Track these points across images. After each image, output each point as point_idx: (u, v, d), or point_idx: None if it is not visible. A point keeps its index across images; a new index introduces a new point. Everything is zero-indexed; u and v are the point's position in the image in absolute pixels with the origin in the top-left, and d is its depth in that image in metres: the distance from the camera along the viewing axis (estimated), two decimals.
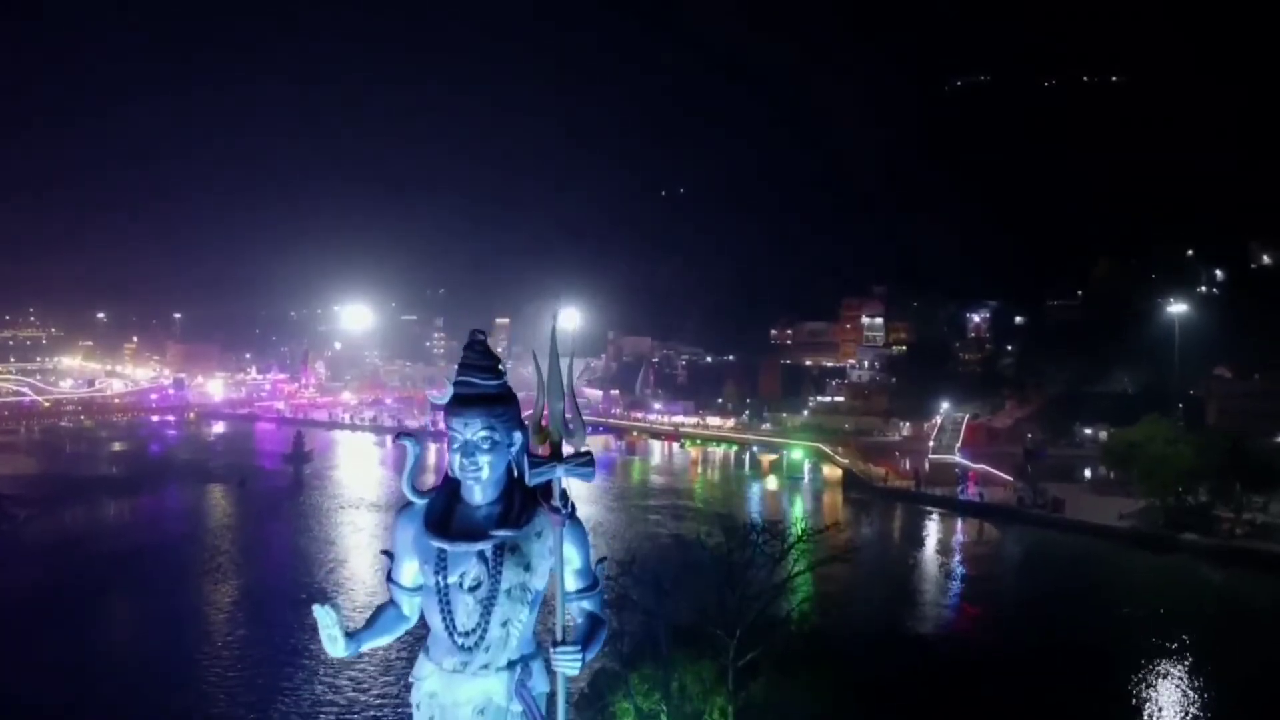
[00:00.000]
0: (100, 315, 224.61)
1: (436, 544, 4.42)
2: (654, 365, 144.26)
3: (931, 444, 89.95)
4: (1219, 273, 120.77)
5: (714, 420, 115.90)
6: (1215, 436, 60.51)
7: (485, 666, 4.44)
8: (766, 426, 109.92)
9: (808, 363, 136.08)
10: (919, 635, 41.55)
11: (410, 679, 4.67)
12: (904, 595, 48.35)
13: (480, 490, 4.48)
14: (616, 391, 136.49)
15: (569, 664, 4.38)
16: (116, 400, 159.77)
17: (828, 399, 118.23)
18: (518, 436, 4.50)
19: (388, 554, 4.74)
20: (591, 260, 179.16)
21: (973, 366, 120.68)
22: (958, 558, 59.81)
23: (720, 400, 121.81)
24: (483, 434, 4.38)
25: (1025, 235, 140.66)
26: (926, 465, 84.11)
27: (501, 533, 4.40)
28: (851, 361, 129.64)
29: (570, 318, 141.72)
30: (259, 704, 32.26)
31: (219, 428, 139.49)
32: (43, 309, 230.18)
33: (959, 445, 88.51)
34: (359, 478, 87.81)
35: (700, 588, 23.48)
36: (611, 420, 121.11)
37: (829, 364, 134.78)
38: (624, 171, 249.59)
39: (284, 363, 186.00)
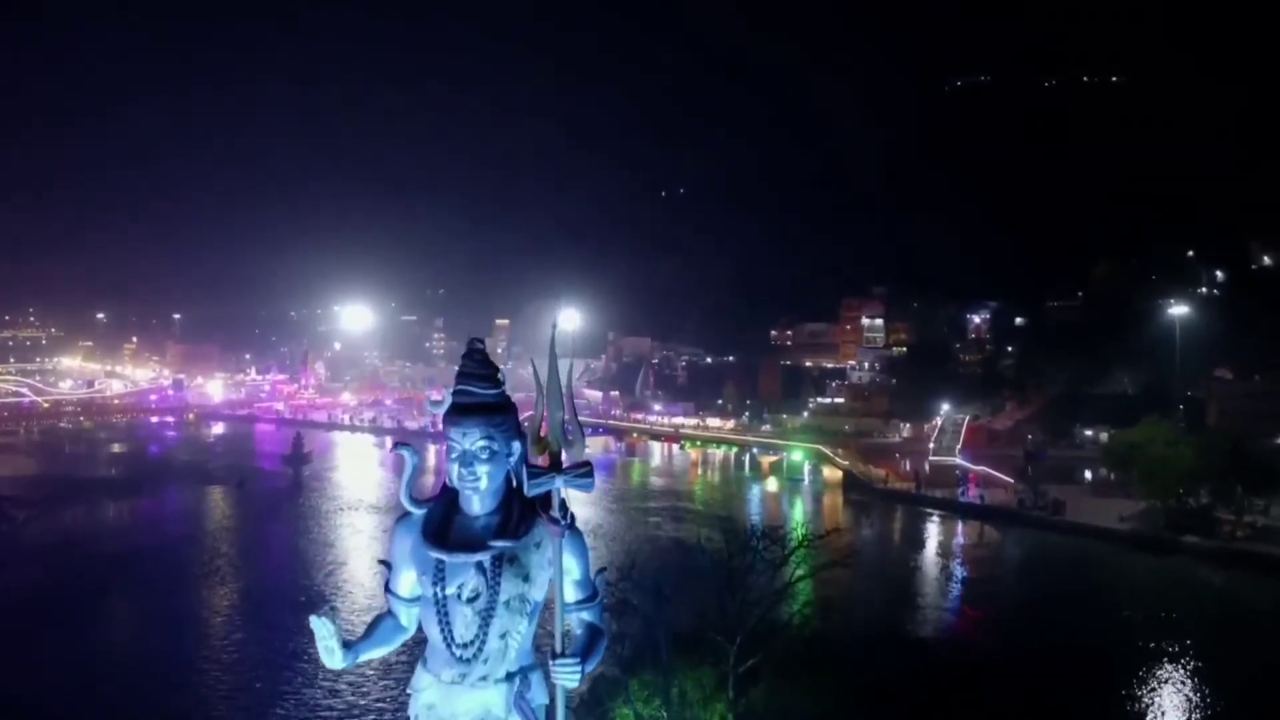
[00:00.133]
0: (100, 316, 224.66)
1: (434, 554, 4.39)
2: (654, 366, 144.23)
3: (932, 446, 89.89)
4: (1219, 273, 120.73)
5: (714, 421, 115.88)
6: (1216, 438, 60.41)
7: (484, 678, 4.40)
8: (766, 428, 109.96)
9: (808, 364, 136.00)
10: (920, 639, 41.48)
11: (408, 690, 4.63)
12: (905, 598, 48.28)
13: (479, 500, 4.44)
14: (616, 393, 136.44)
15: (568, 676, 4.33)
16: (116, 401, 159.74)
17: (828, 400, 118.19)
18: (516, 446, 4.46)
19: (385, 564, 4.70)
20: (591, 260, 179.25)
21: (973, 367, 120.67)
22: (958, 560, 59.76)
23: (720, 401, 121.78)
24: (481, 444, 4.35)
25: (1025, 235, 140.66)
26: (927, 467, 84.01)
27: (500, 543, 4.36)
28: (851, 362, 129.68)
29: (570, 318, 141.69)
30: (258, 707, 32.19)
31: (218, 429, 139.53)
32: (42, 309, 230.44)
33: (959, 447, 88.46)
34: (358, 479, 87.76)
35: (701, 593, 23.42)
36: (611, 421, 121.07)
37: (829, 365, 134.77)
38: (624, 171, 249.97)
39: (283, 363, 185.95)
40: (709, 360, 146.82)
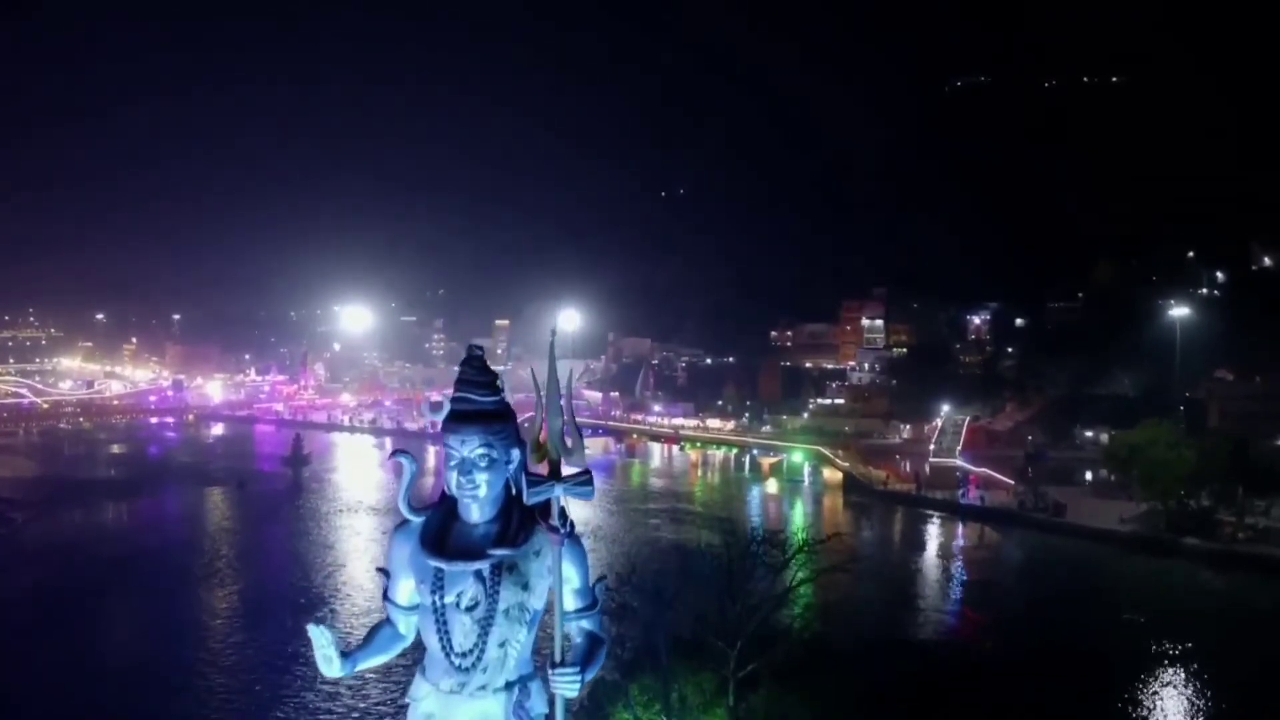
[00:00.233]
0: (99, 316, 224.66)
1: (433, 563, 4.37)
2: (654, 367, 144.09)
3: (932, 447, 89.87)
4: (1220, 274, 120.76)
5: (714, 422, 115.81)
6: (1217, 440, 60.40)
7: (483, 688, 4.38)
8: (766, 429, 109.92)
9: (808, 365, 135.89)
10: (920, 642, 41.46)
11: (407, 699, 4.62)
12: (905, 601, 48.23)
13: (477, 508, 4.43)
14: (616, 394, 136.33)
15: (568, 685, 4.33)
16: (115, 402, 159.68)
17: (828, 401, 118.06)
18: (516, 454, 4.45)
19: (383, 572, 4.68)
20: (591, 261, 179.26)
21: (973, 368, 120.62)
22: (959, 563, 59.70)
23: (720, 402, 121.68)
24: (480, 451, 4.33)
25: (1025, 236, 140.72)
26: (927, 468, 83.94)
27: (499, 552, 4.35)
28: (852, 363, 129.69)
29: (570, 319, 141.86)
30: (257, 710, 32.15)
31: (218, 430, 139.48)
32: (42, 309, 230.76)
33: (959, 448, 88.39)
34: (358, 481, 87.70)
35: (701, 597, 23.36)
36: (611, 423, 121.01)
37: (829, 366, 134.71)
38: (624, 172, 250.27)
39: (283, 364, 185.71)
40: (709, 361, 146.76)
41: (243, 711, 32.39)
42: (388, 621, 4.69)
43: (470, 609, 4.34)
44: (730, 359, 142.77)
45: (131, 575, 50.55)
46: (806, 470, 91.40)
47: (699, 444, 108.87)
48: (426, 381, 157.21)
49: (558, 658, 4.36)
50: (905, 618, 45.06)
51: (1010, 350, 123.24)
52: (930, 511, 71.80)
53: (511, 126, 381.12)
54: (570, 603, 4.49)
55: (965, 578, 55.06)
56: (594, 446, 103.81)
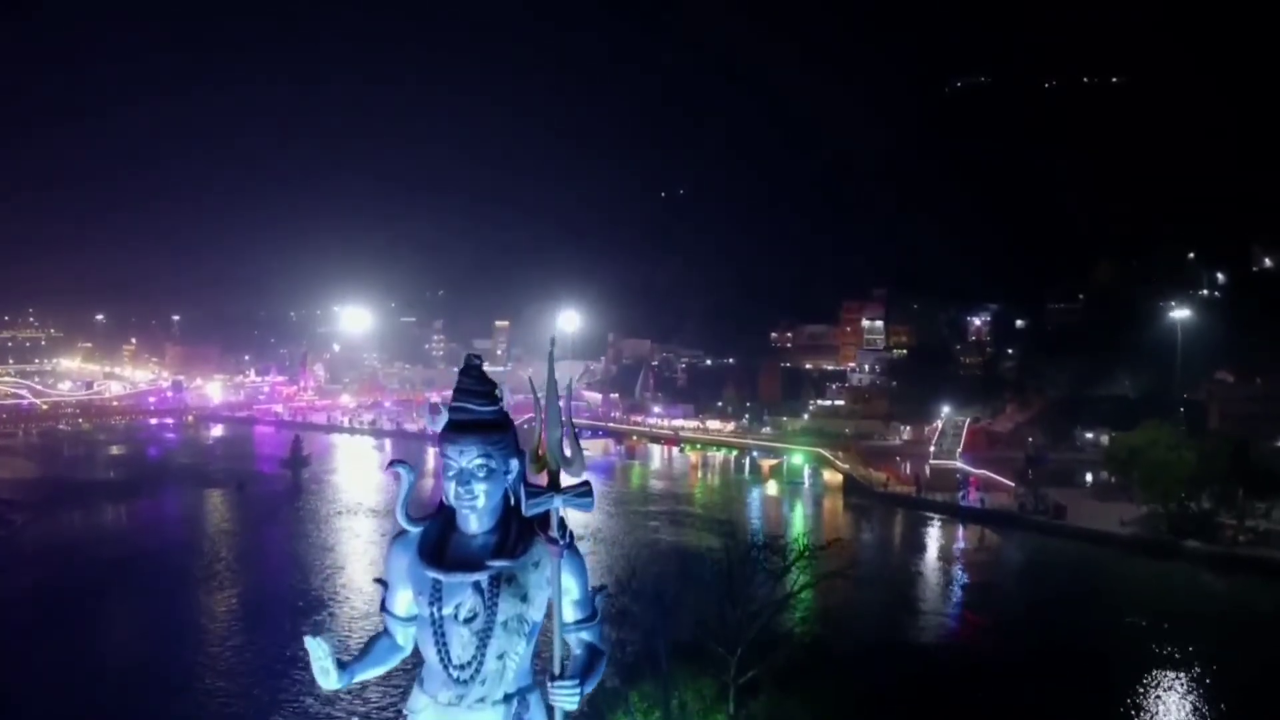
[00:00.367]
0: (99, 317, 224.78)
1: (431, 574, 4.33)
2: (653, 368, 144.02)
3: (932, 448, 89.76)
4: (1220, 275, 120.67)
5: (714, 424, 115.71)
6: (1218, 441, 60.33)
7: (481, 700, 4.35)
8: (766, 430, 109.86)
9: (808, 366, 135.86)
10: (920, 645, 41.41)
11: (404, 711, 4.59)
12: (905, 604, 48.16)
13: (476, 519, 4.39)
14: (616, 395, 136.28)
15: (567, 698, 4.31)
16: (115, 403, 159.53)
17: (828, 402, 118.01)
18: (514, 464, 4.42)
19: (381, 582, 4.63)
20: (591, 261, 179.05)
21: (973, 370, 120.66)
22: (959, 565, 59.62)
23: (720, 404, 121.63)
24: (478, 461, 4.29)
25: (1026, 237, 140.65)
26: (927, 470, 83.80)
27: (498, 563, 4.31)
28: (852, 365, 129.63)
29: (570, 320, 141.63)
30: (256, 713, 32.09)
31: (217, 431, 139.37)
32: (42, 310, 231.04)
33: (960, 450, 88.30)
34: (357, 482, 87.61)
35: (701, 603, 23.31)
36: (611, 424, 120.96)
37: (829, 367, 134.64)
38: (624, 172, 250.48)
39: (283, 365, 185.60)
40: (709, 362, 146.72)
41: (241, 715, 32.33)
42: (386, 632, 4.64)
43: (469, 621, 4.31)
44: (730, 360, 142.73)
45: (131, 577, 50.48)
46: (806, 472, 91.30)
47: (699, 445, 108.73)
48: (426, 382, 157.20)
49: (556, 670, 4.33)
50: (906, 621, 45.00)
51: (1010, 351, 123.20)
52: (930, 514, 71.73)
53: (511, 126, 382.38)
54: (569, 614, 4.46)
55: (965, 580, 54.99)
56: (594, 448, 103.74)
